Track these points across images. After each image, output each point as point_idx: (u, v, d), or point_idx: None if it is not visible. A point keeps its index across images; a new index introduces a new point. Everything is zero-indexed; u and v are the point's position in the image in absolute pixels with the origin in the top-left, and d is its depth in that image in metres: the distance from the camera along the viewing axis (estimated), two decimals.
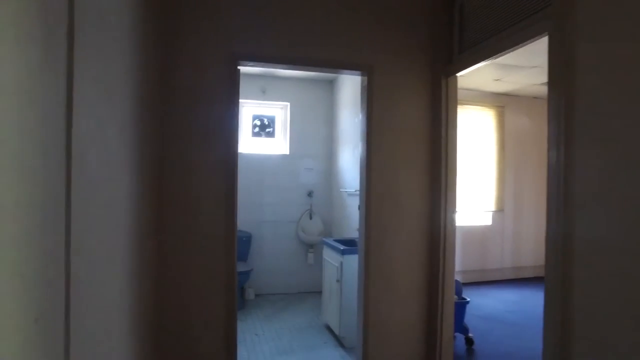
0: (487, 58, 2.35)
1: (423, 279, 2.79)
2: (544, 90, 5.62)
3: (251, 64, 2.57)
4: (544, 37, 1.89)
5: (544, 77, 5.03)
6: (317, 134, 5.19)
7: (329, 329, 3.67)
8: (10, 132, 0.72)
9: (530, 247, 6.05)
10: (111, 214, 1.36)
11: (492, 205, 5.91)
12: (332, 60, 2.64)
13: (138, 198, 1.77)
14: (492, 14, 2.34)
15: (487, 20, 2.38)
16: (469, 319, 3.53)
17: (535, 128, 6.04)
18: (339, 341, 3.38)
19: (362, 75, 2.76)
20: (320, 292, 4.84)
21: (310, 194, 5.11)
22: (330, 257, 3.62)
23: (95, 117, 1.18)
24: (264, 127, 5.16)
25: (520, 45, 2.08)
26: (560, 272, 1.71)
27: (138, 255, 1.78)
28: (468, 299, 3.40)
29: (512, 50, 2.18)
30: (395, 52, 2.73)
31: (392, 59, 2.73)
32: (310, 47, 2.58)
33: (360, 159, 2.81)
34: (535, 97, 6.03)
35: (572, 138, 1.67)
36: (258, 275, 4.81)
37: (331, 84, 5.20)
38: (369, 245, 2.68)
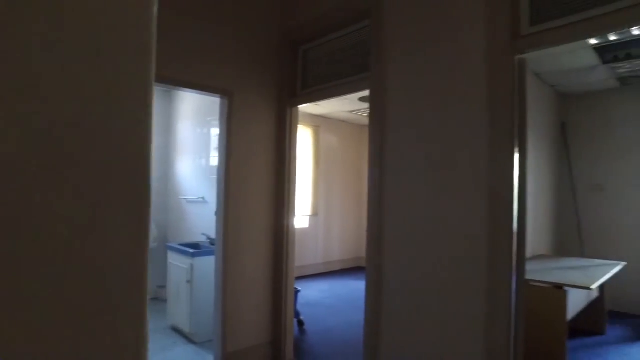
0: (324, 99, 3.08)
1: (270, 272, 3.34)
2: (350, 116, 6.98)
3: None
4: (367, 91, 2.70)
5: (350, 107, 6.31)
6: (154, 141, 5.17)
7: (175, 329, 3.84)
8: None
9: (337, 245, 7.32)
10: None
11: (309, 211, 6.93)
12: (200, 84, 2.96)
13: None
14: (328, 65, 3.09)
15: (325, 69, 3.12)
16: (298, 305, 4.24)
17: (342, 146, 7.39)
18: (189, 339, 3.61)
19: (222, 98, 3.15)
20: (155, 298, 4.86)
21: None
22: (178, 261, 3.81)
23: None
24: None
25: (350, 93, 2.86)
26: (377, 262, 2.50)
27: None
28: (299, 289, 4.11)
29: (343, 95, 2.96)
30: (252, 83, 3.22)
31: (248, 88, 3.20)
32: (181, 70, 2.84)
33: (218, 171, 3.17)
34: (342, 121, 7.37)
35: (384, 158, 2.49)
36: None
37: (169, 94, 5.28)
38: (227, 246, 3.07)
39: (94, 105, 0.62)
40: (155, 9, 0.65)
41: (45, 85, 0.57)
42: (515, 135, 1.99)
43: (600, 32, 1.76)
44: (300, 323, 4.08)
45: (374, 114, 2.59)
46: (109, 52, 0.62)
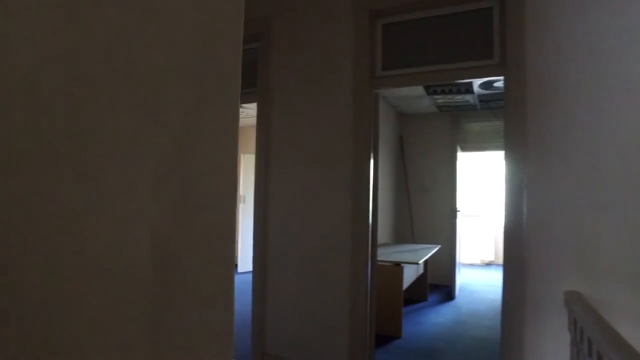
0: None
1: None
2: None
3: None
4: (254, 104, 3.15)
5: None
6: None
7: None
8: None
9: None
10: None
11: None
12: None
13: None
14: None
15: None
16: None
17: None
18: None
19: None
20: None
21: None
22: None
23: None
24: None
25: (241, 105, 3.26)
26: (262, 247, 2.98)
27: None
28: None
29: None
30: None
31: None
32: None
33: None
34: None
35: (269, 165, 2.98)
36: None
37: None
38: None
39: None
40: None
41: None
42: (371, 147, 2.70)
43: (423, 83, 2.59)
44: None
45: (260, 125, 3.06)
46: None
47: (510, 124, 2.29)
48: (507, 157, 2.30)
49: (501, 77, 2.34)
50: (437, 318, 4.39)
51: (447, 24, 2.48)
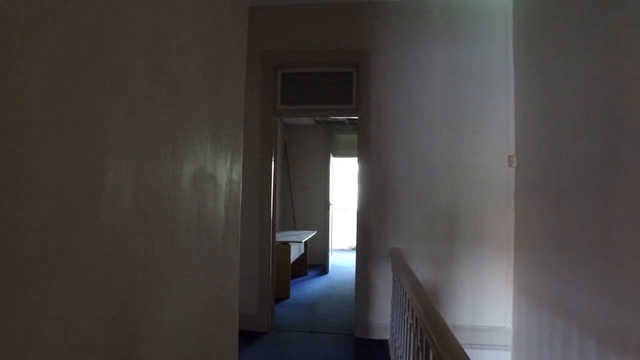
0: None
1: None
2: None
3: None
4: None
5: None
6: None
7: None
8: None
9: None
10: None
11: None
12: None
13: None
14: None
15: None
16: None
17: None
18: None
19: None
20: None
21: None
22: None
23: None
24: None
25: None
26: None
27: None
28: None
29: None
30: None
31: None
32: None
33: None
34: None
35: None
36: None
37: None
38: None
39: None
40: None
41: None
42: (272, 157, 3.83)
43: (308, 116, 3.83)
44: None
45: None
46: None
47: (361, 143, 3.66)
48: (358, 162, 3.66)
49: (356, 117, 3.70)
50: (315, 285, 5.74)
51: (325, 78, 3.76)
